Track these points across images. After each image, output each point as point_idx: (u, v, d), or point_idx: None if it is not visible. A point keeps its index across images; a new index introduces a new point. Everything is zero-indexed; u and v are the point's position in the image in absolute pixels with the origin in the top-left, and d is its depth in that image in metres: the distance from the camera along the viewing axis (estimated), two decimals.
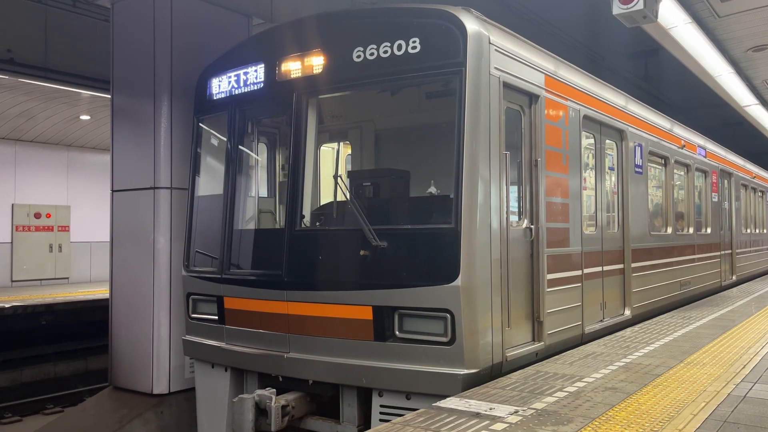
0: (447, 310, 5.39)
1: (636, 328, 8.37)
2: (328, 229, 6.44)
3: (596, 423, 4.22)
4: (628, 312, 8.79)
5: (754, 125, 20.85)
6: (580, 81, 7.69)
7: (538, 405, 4.62)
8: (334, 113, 8.10)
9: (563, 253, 6.99)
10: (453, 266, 5.38)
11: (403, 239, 5.74)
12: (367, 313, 5.75)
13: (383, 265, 5.74)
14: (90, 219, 19.73)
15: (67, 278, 19.46)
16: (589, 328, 7.54)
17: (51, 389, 12.84)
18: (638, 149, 9.42)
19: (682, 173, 12.10)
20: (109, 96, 9.21)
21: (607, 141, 8.60)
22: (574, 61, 7.96)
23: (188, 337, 7.33)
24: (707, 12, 10.65)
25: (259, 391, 5.94)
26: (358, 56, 6.05)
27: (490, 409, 4.51)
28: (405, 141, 8.16)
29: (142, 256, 8.42)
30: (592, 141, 8.13)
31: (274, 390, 5.96)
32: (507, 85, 6.06)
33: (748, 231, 17.62)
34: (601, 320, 8.03)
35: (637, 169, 9.36)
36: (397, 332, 5.65)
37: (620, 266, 8.75)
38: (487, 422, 4.21)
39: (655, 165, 10.63)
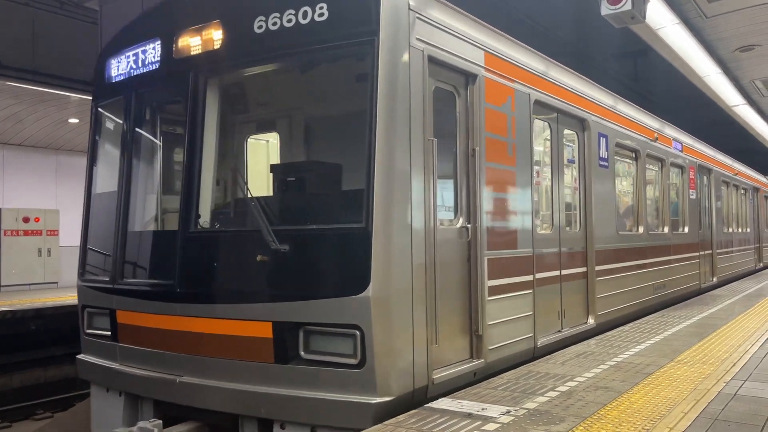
0: (356, 326, 4.50)
1: (626, 327, 8.07)
2: (226, 231, 5.49)
3: (588, 422, 4.21)
4: (591, 320, 7.93)
5: (742, 125, 20.44)
6: (530, 61, 6.80)
7: (530, 405, 4.61)
8: (235, 96, 7.03)
9: (509, 255, 6.11)
10: (363, 274, 4.49)
11: (307, 242, 4.84)
12: (266, 330, 4.84)
13: (285, 273, 4.84)
14: (79, 223, 18.89)
15: (56, 283, 18.96)
16: (544, 341, 6.68)
17: (41, 394, 12.42)
18: (603, 140, 8.57)
19: (656, 168, 11.27)
20: None
21: (566, 131, 7.73)
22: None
23: (83, 357, 6.37)
24: (695, 13, 10.74)
25: (142, 423, 5.00)
26: (260, 27, 5.15)
27: (482, 409, 4.50)
28: (315, 127, 7.14)
29: None
30: (547, 130, 7.26)
31: (160, 422, 5.01)
32: (434, 61, 5.18)
33: (730, 230, 16.83)
34: (559, 330, 7.16)
35: (602, 163, 8.50)
36: (302, 353, 4.75)
37: (583, 269, 7.90)
38: (480, 422, 4.20)
39: (624, 159, 9.79)
